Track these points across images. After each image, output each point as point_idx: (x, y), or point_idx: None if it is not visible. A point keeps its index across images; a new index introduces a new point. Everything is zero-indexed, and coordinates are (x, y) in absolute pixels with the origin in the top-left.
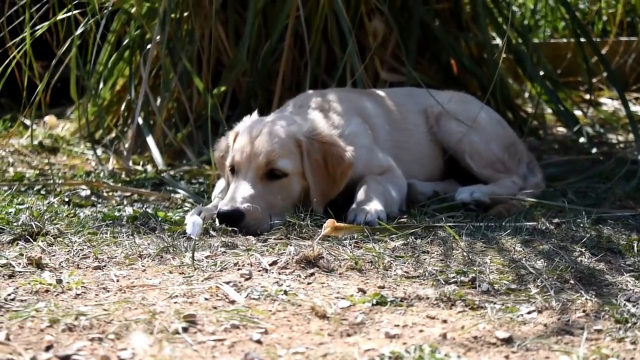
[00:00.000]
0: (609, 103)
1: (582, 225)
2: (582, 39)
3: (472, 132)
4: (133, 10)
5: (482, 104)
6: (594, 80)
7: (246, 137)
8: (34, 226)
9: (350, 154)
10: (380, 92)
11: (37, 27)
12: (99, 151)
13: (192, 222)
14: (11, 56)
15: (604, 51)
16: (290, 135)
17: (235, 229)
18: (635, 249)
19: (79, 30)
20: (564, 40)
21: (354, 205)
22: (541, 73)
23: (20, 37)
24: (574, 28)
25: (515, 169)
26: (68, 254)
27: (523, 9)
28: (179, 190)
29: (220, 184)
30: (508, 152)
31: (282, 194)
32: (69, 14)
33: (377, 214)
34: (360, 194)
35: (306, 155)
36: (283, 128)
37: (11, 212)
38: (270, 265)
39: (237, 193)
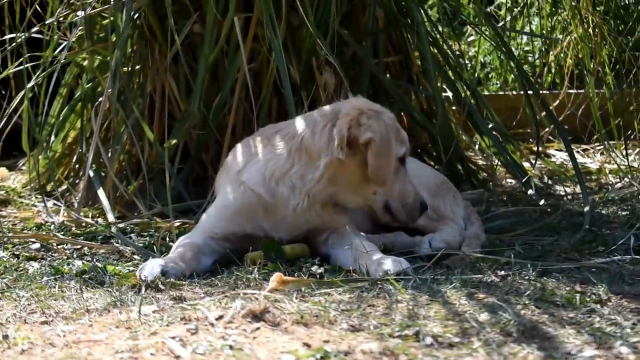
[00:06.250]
0: (558, 155)
1: (527, 277)
2: (530, 92)
3: None
4: (85, 63)
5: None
6: (544, 131)
7: None
8: None
9: None
10: None
11: None
12: (50, 203)
13: (152, 266)
14: None
15: (555, 103)
16: None
17: None
18: (578, 301)
19: (31, 83)
20: (514, 92)
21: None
22: (490, 125)
23: None
24: (521, 81)
25: (449, 213)
26: (15, 308)
27: (474, 61)
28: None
29: (184, 239)
30: (438, 196)
31: None
32: (21, 67)
33: None
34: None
35: None
36: None
37: None
38: (216, 319)
39: None
